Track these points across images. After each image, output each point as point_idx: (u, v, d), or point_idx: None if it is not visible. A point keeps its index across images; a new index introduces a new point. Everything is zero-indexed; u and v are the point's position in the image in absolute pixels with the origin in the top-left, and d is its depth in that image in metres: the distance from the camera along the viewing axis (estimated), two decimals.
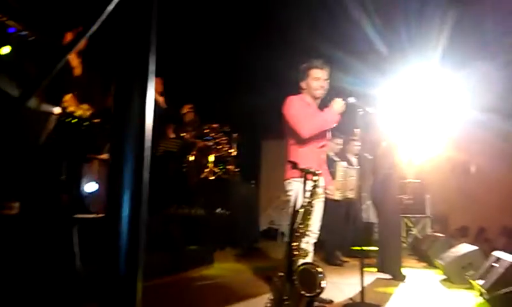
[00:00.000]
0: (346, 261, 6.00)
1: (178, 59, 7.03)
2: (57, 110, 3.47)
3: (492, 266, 3.64)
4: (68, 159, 3.73)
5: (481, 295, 3.51)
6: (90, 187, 4.25)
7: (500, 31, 6.05)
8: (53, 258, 2.98)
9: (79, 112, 3.62)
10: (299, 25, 6.55)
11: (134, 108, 0.72)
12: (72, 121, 3.17)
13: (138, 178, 0.70)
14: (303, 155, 3.30)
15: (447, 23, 5.91)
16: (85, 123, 3.26)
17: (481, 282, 3.61)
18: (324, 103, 3.61)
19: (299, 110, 3.39)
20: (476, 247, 4.64)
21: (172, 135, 6.09)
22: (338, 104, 3.38)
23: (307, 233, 2.38)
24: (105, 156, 4.34)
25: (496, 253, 3.78)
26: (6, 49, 5.64)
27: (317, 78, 3.52)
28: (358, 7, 6.13)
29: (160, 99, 5.95)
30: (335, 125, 3.54)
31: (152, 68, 0.78)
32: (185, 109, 6.08)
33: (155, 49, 0.79)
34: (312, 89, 3.52)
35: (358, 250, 3.68)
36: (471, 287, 3.98)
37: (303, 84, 3.59)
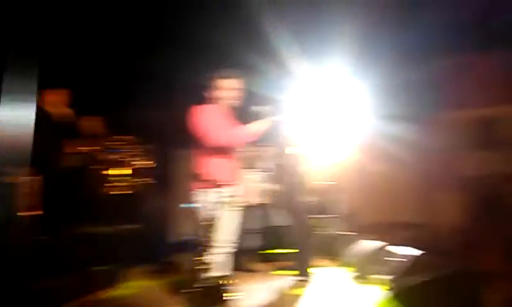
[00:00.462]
0: (257, 269, 5.98)
1: (86, 70, 6.61)
2: None
3: (398, 261, 3.80)
4: None
5: (389, 290, 3.65)
6: None
7: (404, 44, 6.49)
8: None
9: None
10: (210, 32, 6.46)
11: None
12: None
13: None
14: (214, 166, 3.18)
15: (353, 33, 6.20)
16: None
17: (389, 277, 3.75)
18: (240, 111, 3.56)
19: (213, 119, 3.30)
20: (383, 243, 4.85)
21: (80, 148, 5.69)
22: (265, 123, 3.33)
23: (216, 245, 2.24)
24: None
25: (401, 249, 3.97)
26: None
27: (227, 89, 3.46)
28: (265, 11, 6.19)
29: (69, 111, 5.56)
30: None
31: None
32: (94, 121, 5.71)
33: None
34: (223, 99, 3.46)
35: (269, 254, 3.64)
36: (380, 282, 4.13)
37: (215, 94, 3.51)
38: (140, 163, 7.50)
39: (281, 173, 5.30)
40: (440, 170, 8.09)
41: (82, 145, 6.09)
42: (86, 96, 6.01)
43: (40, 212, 4.88)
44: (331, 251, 6.60)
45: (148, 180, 7.60)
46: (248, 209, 5.77)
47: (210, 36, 6.26)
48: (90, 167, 6.29)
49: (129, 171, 7.31)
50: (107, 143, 6.82)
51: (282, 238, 7.31)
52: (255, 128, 3.36)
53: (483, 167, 11.04)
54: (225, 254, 3.17)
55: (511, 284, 3.68)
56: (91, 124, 5.84)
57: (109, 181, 6.93)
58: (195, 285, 2.07)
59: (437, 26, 6.15)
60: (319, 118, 7.30)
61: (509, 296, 3.43)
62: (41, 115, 5.32)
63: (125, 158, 7.16)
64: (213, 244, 2.24)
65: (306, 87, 7.14)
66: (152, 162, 7.92)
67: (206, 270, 2.19)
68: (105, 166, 6.77)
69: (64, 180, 5.21)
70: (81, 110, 5.84)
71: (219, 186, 2.29)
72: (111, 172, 6.99)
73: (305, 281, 4.70)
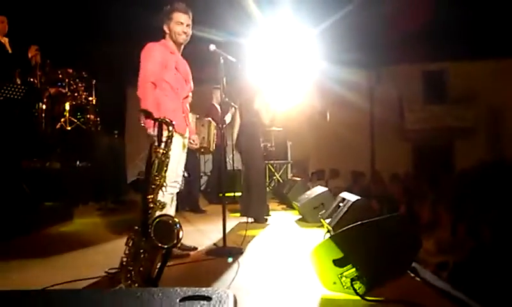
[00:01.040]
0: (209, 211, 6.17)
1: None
2: None
3: (338, 206, 4.05)
4: None
5: (328, 232, 3.91)
6: None
7: None
8: None
9: None
10: None
11: None
12: None
13: None
14: (168, 109, 3.16)
15: None
16: None
17: (329, 220, 4.01)
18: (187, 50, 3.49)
19: (153, 58, 3.21)
20: (326, 189, 5.12)
21: (18, 81, 5.35)
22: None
23: (164, 184, 2.31)
24: None
25: (343, 194, 4.21)
26: None
27: (180, 23, 3.34)
28: None
29: (5, 40, 5.19)
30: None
31: None
32: (32, 51, 5.35)
33: None
34: (174, 33, 3.33)
35: (223, 196, 3.75)
36: (322, 226, 4.40)
37: (166, 28, 3.38)
38: (92, 99, 7.27)
39: (240, 115, 5.34)
40: (385, 119, 8.46)
41: (29, 77, 5.79)
42: (23, 24, 5.62)
43: None
44: (281, 194, 6.87)
45: (95, 118, 7.40)
46: (203, 151, 5.88)
47: None
48: (38, 100, 6.04)
49: (81, 106, 7.08)
50: (58, 76, 6.52)
51: (236, 181, 7.50)
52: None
53: (428, 120, 11.61)
54: (173, 194, 3.27)
55: (443, 233, 4.03)
56: (31, 53, 5.48)
57: (60, 117, 6.72)
58: (146, 223, 2.14)
59: None
60: (272, 62, 7.32)
61: (440, 243, 3.76)
62: None
63: (76, 93, 6.89)
64: (162, 183, 2.29)
65: (259, 30, 7.12)
66: (106, 98, 7.71)
67: (157, 208, 2.26)
68: (55, 100, 6.53)
69: (6, 114, 4.97)
70: (19, 39, 5.45)
71: (169, 126, 2.31)
72: (56, 107, 6.76)
73: (256, 222, 4.91)
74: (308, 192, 5.40)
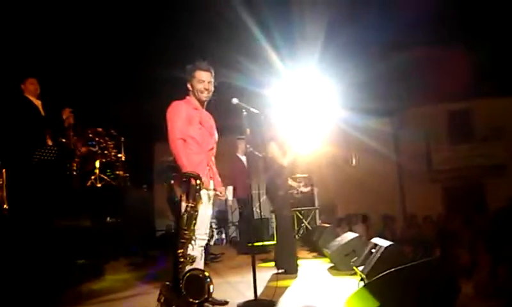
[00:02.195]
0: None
1: (58, 60, 6.52)
2: None
3: (371, 252, 3.94)
4: None
5: (362, 280, 3.79)
6: None
7: (366, 42, 6.68)
8: None
9: None
10: (190, 27, 6.51)
11: None
12: None
13: None
14: (193, 163, 3.22)
15: (323, 33, 6.37)
16: None
17: (362, 268, 3.89)
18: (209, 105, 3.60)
19: (179, 117, 3.32)
20: (357, 235, 5.00)
21: (50, 143, 5.57)
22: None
23: (193, 238, 2.32)
24: None
25: (374, 240, 4.11)
26: None
27: (202, 81, 3.46)
28: (247, 10, 6.27)
29: (38, 102, 5.44)
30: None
31: None
32: (66, 113, 5.59)
33: None
34: (196, 91, 3.46)
35: (252, 246, 3.72)
36: (355, 273, 4.27)
37: (189, 85, 3.52)
38: (121, 155, 7.46)
39: (267, 165, 5.35)
40: (412, 162, 8.33)
41: (60, 137, 6.02)
42: (54, 87, 5.89)
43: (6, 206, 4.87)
44: (311, 242, 6.75)
45: (124, 173, 7.58)
46: (229, 202, 5.90)
47: (196, 32, 6.32)
48: (70, 160, 6.24)
49: (111, 163, 7.27)
50: (88, 136, 6.76)
51: (263, 230, 7.44)
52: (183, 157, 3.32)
53: (456, 160, 11.38)
54: (202, 247, 3.27)
55: (482, 275, 3.84)
56: (65, 115, 5.71)
57: (91, 174, 6.90)
58: (177, 278, 2.14)
59: (404, 20, 6.37)
60: (293, 111, 7.42)
61: (480, 286, 3.58)
62: (23, 104, 5.26)
63: (106, 151, 7.11)
64: (191, 237, 2.31)
65: (279, 82, 7.30)
66: (134, 154, 7.89)
67: (187, 262, 2.26)
68: (85, 159, 6.73)
69: (40, 175, 5.14)
70: (50, 101, 5.70)
71: (197, 180, 2.35)
72: (87, 165, 6.95)
73: (286, 273, 4.81)
74: (338, 239, 5.29)
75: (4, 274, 3.68)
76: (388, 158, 8.49)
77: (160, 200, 9.61)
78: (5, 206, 4.96)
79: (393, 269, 2.51)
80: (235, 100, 3.61)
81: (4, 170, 4.93)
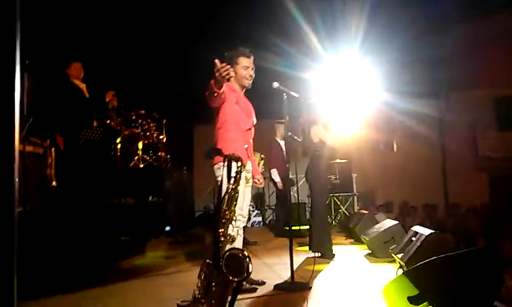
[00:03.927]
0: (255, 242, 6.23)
1: (102, 43, 6.71)
2: None
3: (411, 240, 3.88)
4: None
5: (401, 268, 3.74)
6: None
7: (410, 21, 6.44)
8: None
9: None
10: (232, 10, 6.52)
11: None
12: None
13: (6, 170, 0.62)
14: (230, 140, 3.28)
15: (364, 13, 6.20)
16: None
17: (401, 255, 3.84)
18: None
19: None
20: (397, 222, 4.92)
21: (95, 124, 5.80)
22: None
23: (233, 218, 2.37)
24: (20, 147, 4.06)
25: (415, 228, 4.03)
26: None
27: (246, 67, 3.50)
28: None
29: (82, 85, 5.65)
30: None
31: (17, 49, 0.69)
32: (109, 96, 5.80)
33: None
34: (240, 77, 3.49)
35: (289, 230, 3.76)
36: (393, 261, 4.22)
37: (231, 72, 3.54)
38: (163, 137, 7.65)
39: (307, 149, 5.35)
40: (457, 149, 8.03)
41: (105, 119, 6.25)
42: (97, 70, 6.08)
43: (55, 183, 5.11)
44: (348, 228, 6.71)
45: (166, 155, 7.77)
46: (278, 184, 5.94)
47: (236, 15, 6.33)
48: (114, 141, 6.46)
49: (153, 145, 7.47)
50: (132, 118, 6.96)
51: (300, 214, 7.45)
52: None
53: (504, 147, 10.87)
54: (239, 228, 3.33)
55: None
56: (108, 98, 5.92)
57: (134, 155, 7.13)
58: (217, 256, 2.20)
59: None
60: (334, 95, 7.31)
61: None
62: (68, 87, 5.49)
63: (148, 132, 7.30)
64: (232, 217, 2.36)
65: (319, 65, 7.18)
66: (175, 136, 8.06)
67: (227, 241, 2.31)
68: (129, 140, 6.95)
69: (87, 155, 5.37)
70: (94, 83, 5.90)
71: (238, 162, 2.39)
72: (130, 146, 7.18)
73: (323, 257, 4.82)
74: (377, 226, 5.23)
75: (52, 249, 3.89)
76: (432, 144, 8.21)
77: (200, 182, 9.85)
78: (53, 183, 5.21)
79: (434, 257, 2.46)
80: (275, 84, 3.63)
81: (53, 149, 5.17)
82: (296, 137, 5.81)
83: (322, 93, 6.70)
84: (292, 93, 3.74)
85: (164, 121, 7.83)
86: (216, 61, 2.88)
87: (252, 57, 3.55)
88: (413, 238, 3.84)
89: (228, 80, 3.23)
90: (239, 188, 2.40)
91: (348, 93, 7.66)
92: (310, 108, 5.27)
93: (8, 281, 0.66)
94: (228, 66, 2.90)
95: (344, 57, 7.27)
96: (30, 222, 4.02)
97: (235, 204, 2.41)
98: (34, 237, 3.79)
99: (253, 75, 3.53)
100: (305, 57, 7.09)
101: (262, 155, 6.37)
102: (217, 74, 2.88)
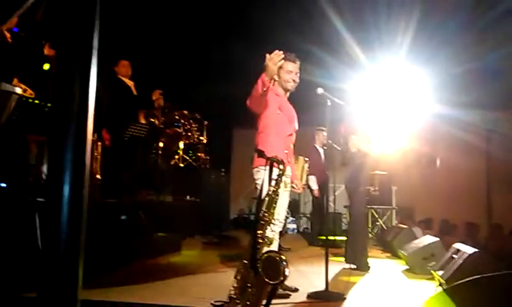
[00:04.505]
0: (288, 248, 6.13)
1: (150, 44, 6.91)
2: (18, 90, 3.34)
3: (452, 257, 3.75)
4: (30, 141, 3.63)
5: (440, 285, 3.62)
6: None
7: (461, 29, 6.23)
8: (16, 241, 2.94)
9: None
10: (273, 18, 6.56)
11: (75, 87, 0.68)
12: (33, 102, 3.04)
13: (79, 159, 0.66)
14: (270, 144, 3.30)
15: (412, 22, 6.06)
16: (48, 104, 3.14)
17: (441, 273, 3.72)
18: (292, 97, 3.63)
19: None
20: (437, 239, 4.77)
21: (142, 121, 5.98)
22: None
23: (272, 221, 2.38)
24: None
25: (457, 245, 3.90)
26: None
27: (290, 72, 3.51)
28: (330, 3, 6.18)
29: (131, 83, 5.83)
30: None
31: (95, 43, 0.73)
32: (156, 95, 5.96)
33: (98, 26, 0.75)
34: (284, 81, 3.52)
35: (324, 239, 3.73)
36: (432, 278, 4.10)
37: (275, 76, 3.56)
38: (203, 138, 7.78)
39: (348, 158, 5.30)
40: (503, 168, 7.67)
41: (150, 117, 6.43)
42: (144, 69, 6.25)
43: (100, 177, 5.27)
44: (385, 242, 6.57)
45: (205, 156, 7.89)
46: (305, 192, 5.91)
47: (278, 23, 6.37)
48: (157, 139, 6.63)
49: (193, 145, 7.61)
50: (175, 117, 7.12)
51: (336, 224, 7.37)
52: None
53: None
54: (277, 232, 3.33)
55: None
56: (155, 97, 6.08)
57: (175, 154, 7.29)
58: (255, 258, 2.21)
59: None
60: (380, 104, 7.17)
61: None
62: (116, 83, 5.69)
63: (190, 133, 7.45)
64: (271, 220, 2.37)
65: (370, 74, 7.07)
66: (215, 138, 8.18)
67: (265, 244, 2.33)
68: (171, 139, 7.11)
69: (131, 150, 5.52)
70: (145, 83, 6.06)
71: (277, 164, 2.40)
72: (172, 145, 7.34)
73: (358, 269, 4.74)
74: (416, 241, 5.09)
75: (93, 241, 4.01)
76: (477, 161, 7.89)
77: (236, 185, 9.93)
78: (98, 176, 5.39)
79: (478, 276, 2.38)
80: (320, 90, 3.62)
81: (99, 143, 5.36)
82: (335, 145, 5.77)
83: (365, 103, 6.59)
84: (336, 100, 3.73)
85: (206, 122, 7.96)
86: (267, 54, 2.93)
87: (298, 63, 3.56)
88: (455, 256, 3.71)
89: (274, 82, 3.26)
90: (282, 191, 2.41)
91: (392, 104, 7.51)
92: (351, 117, 5.22)
93: (74, 269, 0.70)
94: (281, 52, 2.95)
95: (390, 66, 7.13)
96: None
97: (275, 207, 2.42)
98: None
99: (297, 81, 3.54)
100: (347, 67, 7.02)
101: (307, 158, 6.31)
102: (269, 62, 2.93)
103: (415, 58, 6.71)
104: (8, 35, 3.60)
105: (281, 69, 3.50)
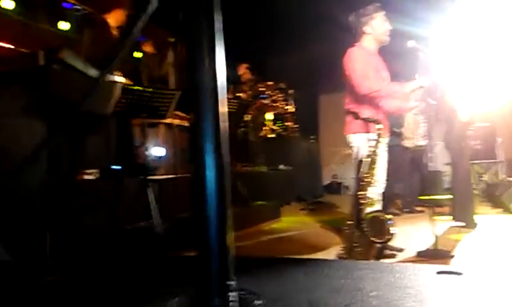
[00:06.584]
0: (422, 211, 5.88)
1: (232, 17, 7.00)
2: (121, 79, 3.62)
3: None
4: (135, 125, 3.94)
5: None
6: (158, 151, 4.47)
7: None
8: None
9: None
10: None
11: (205, 68, 0.74)
12: (136, 88, 3.28)
13: (218, 134, 0.73)
14: (364, 104, 3.23)
15: None
16: (148, 90, 3.37)
17: None
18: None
19: (360, 65, 3.29)
20: None
21: (230, 96, 6.17)
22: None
23: (372, 181, 2.37)
24: (169, 120, 4.52)
25: None
26: (65, 25, 5.92)
27: (383, 22, 3.39)
28: None
29: None
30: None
31: (219, 25, 0.79)
32: (242, 69, 6.08)
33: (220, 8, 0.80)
34: (380, 33, 3.39)
35: (426, 199, 3.60)
36: None
37: (367, 28, 3.45)
38: (290, 107, 7.82)
39: (447, 114, 5.01)
40: None
41: (237, 92, 6.59)
42: (233, 44, 6.34)
43: None
44: (492, 197, 6.16)
45: (294, 125, 7.91)
46: (406, 151, 5.72)
47: None
48: (245, 112, 6.79)
49: (281, 115, 7.69)
50: (260, 89, 7.23)
51: (437, 183, 7.03)
52: (399, 88, 3.24)
53: None
54: (379, 193, 3.28)
55: None
56: (241, 71, 6.17)
57: (263, 125, 7.43)
58: (359, 218, 2.23)
59: None
60: (477, 55, 6.55)
61: None
62: None
63: (276, 103, 7.52)
64: (371, 181, 2.36)
65: (463, 17, 6.46)
66: (302, 106, 8.16)
67: (367, 204, 2.33)
68: (259, 111, 7.25)
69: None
70: (230, 58, 6.17)
71: (379, 123, 2.35)
72: (260, 117, 7.47)
73: (465, 227, 4.53)
74: None
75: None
76: None
77: (326, 151, 9.86)
78: None
79: None
80: (411, 42, 3.43)
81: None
82: (429, 100, 5.44)
83: (461, 53, 6.09)
84: (430, 52, 3.52)
85: (291, 91, 7.97)
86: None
87: (383, 15, 3.42)
88: None
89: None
90: (380, 152, 2.38)
91: (494, 48, 6.82)
92: (447, 69, 4.89)
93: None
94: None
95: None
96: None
97: (374, 168, 2.40)
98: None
99: (387, 32, 3.41)
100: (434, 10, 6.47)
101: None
102: None
103: None
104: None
105: (373, 20, 3.37)
